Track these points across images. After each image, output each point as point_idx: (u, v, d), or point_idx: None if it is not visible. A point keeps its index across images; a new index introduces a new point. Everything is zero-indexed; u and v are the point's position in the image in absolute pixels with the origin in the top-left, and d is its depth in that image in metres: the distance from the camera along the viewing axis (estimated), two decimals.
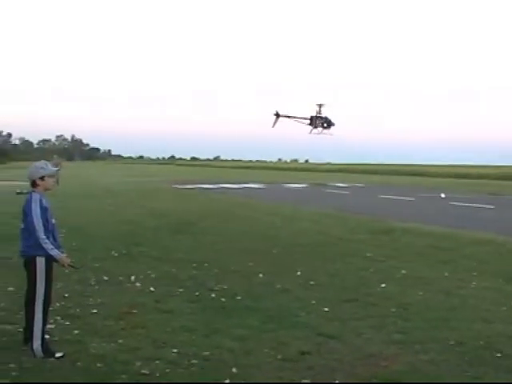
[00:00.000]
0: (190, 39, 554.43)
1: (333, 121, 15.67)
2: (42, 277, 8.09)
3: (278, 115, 16.47)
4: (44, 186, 8.32)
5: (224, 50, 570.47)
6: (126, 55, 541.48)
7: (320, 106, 15.90)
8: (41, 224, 7.94)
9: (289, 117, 16.23)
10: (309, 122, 16.15)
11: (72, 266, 8.74)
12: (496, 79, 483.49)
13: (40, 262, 8.06)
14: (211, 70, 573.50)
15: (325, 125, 16.36)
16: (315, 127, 16.04)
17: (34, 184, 8.26)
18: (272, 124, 15.67)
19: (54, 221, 8.26)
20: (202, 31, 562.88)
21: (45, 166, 8.38)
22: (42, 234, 7.92)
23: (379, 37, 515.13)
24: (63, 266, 8.40)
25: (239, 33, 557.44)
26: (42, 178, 8.27)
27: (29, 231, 8.02)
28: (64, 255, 8.27)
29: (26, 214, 8.06)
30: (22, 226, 8.19)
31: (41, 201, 8.08)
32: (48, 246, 7.96)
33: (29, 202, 8.08)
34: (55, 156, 50.58)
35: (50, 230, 8.12)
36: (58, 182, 43.11)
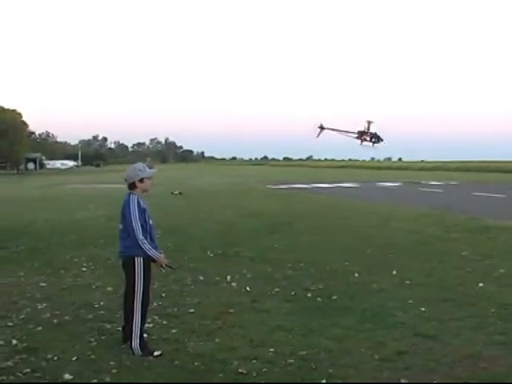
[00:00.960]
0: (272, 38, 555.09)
1: (382, 136, 15.68)
2: (141, 277, 8.23)
3: (322, 128, 16.44)
4: (142, 188, 8.47)
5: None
6: (213, 58, 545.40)
7: (369, 122, 15.92)
8: (139, 225, 8.09)
9: (334, 130, 16.25)
10: (356, 136, 16.11)
11: (169, 267, 8.88)
12: None
13: (138, 262, 8.20)
14: (302, 68, 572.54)
15: (373, 139, 16.27)
16: (363, 141, 16.01)
17: (132, 186, 8.40)
18: (316, 134, 15.73)
19: (151, 222, 8.40)
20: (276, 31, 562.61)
21: (143, 169, 8.52)
22: (140, 235, 8.07)
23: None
24: (161, 266, 8.54)
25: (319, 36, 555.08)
26: (141, 180, 8.41)
27: (127, 232, 8.18)
28: (162, 256, 8.42)
29: (125, 215, 8.21)
30: (121, 226, 8.36)
31: (139, 202, 8.23)
32: (146, 246, 8.10)
33: (127, 204, 8.23)
34: (148, 158, 51.55)
35: (147, 231, 8.24)
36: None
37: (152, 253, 8.19)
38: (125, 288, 8.58)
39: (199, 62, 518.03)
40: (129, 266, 8.31)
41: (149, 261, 8.32)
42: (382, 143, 15.61)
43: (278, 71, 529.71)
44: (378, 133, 15.32)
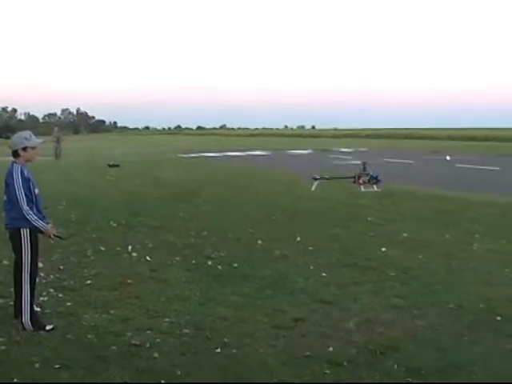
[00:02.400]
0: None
1: (379, 177, 15.68)
2: (28, 248, 7.91)
3: (315, 179, 16.36)
4: (25, 158, 8.07)
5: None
6: (127, 25, 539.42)
7: (364, 163, 15.84)
8: (23, 195, 7.74)
9: (328, 178, 16.10)
10: (353, 180, 16.02)
11: (58, 237, 8.58)
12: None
13: (25, 233, 7.87)
14: (217, 40, 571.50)
15: (372, 181, 16.24)
16: (362, 184, 15.91)
17: (15, 154, 8.04)
18: (311, 187, 15.62)
19: (37, 191, 8.03)
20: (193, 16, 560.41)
21: (29, 137, 8.11)
22: (25, 206, 7.73)
23: None
24: (49, 236, 8.22)
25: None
26: (24, 149, 8.03)
27: (12, 203, 7.83)
28: (49, 226, 8.09)
29: (8, 185, 7.86)
30: (5, 198, 8.00)
31: (22, 171, 7.86)
32: (31, 217, 7.77)
33: (10, 174, 7.86)
34: (55, 128, 50.10)
35: (33, 201, 7.91)
36: (60, 154, 42.98)
37: (38, 223, 7.86)
38: (14, 261, 8.27)
39: (109, 30, 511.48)
40: (15, 238, 7.96)
41: (36, 232, 8.00)
42: (380, 183, 15.75)
43: (191, 40, 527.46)
44: (374, 174, 15.31)
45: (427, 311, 8.60)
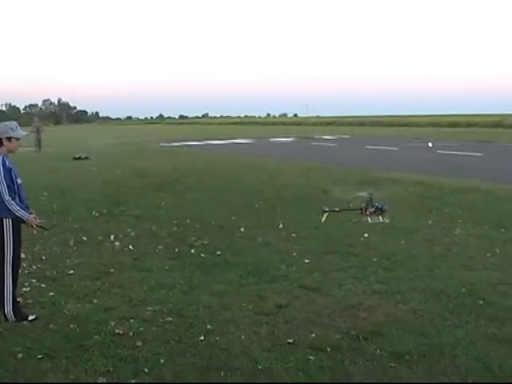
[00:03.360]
0: None
1: (385, 207, 15.86)
2: (10, 239, 7.85)
3: (324, 211, 16.58)
4: (8, 148, 8.01)
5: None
6: (109, 16, 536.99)
7: (370, 194, 16.00)
8: (5, 185, 7.68)
9: (336, 211, 16.31)
10: (360, 211, 16.21)
11: (41, 227, 8.53)
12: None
13: (7, 224, 7.81)
14: (199, 30, 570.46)
15: (377, 211, 16.39)
16: (369, 215, 16.04)
17: None
18: (321, 219, 15.80)
19: (19, 181, 7.98)
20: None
21: (14, 128, 8.07)
22: (6, 196, 7.67)
23: None
24: (32, 227, 8.16)
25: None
26: (9, 139, 7.98)
27: None
28: (32, 216, 8.03)
29: None
30: None
31: (4, 162, 7.80)
32: (14, 207, 7.72)
33: None
34: (35, 118, 49.67)
35: (15, 192, 7.85)
36: (40, 144, 42.59)
37: (20, 213, 7.80)
38: None
39: (92, 20, 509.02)
40: None
41: (18, 222, 7.95)
42: (385, 213, 16.00)
43: (174, 30, 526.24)
44: (380, 204, 15.49)
45: (410, 296, 8.62)
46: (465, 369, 6.25)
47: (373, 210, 15.05)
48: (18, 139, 8.08)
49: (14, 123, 8.23)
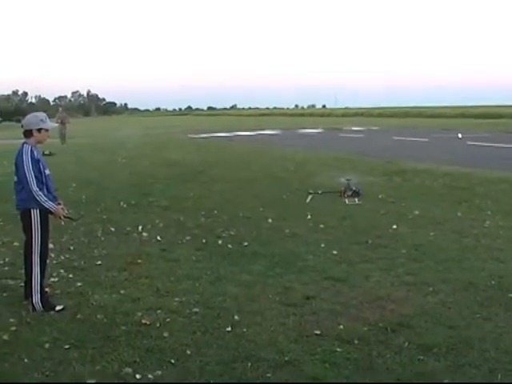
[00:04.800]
0: None
1: (360, 191, 16.52)
2: (38, 229, 7.89)
3: (309, 193, 17.01)
4: (37, 139, 8.06)
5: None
6: (138, 8, 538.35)
7: (348, 180, 16.53)
8: (33, 176, 7.71)
9: (319, 193, 16.71)
10: (340, 194, 16.76)
11: (69, 218, 8.55)
12: None
13: (34, 214, 7.85)
14: (227, 23, 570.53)
15: (354, 194, 17.00)
16: (347, 197, 16.67)
17: (28, 134, 8.01)
18: (307, 200, 16.27)
19: (47, 172, 8.01)
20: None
21: (44, 119, 8.13)
22: (34, 186, 7.70)
23: None
24: (59, 218, 8.18)
25: None
26: (39, 130, 8.02)
27: (22, 184, 7.81)
28: (60, 207, 8.06)
29: (18, 166, 7.84)
30: (15, 178, 7.98)
31: (32, 152, 7.84)
32: (41, 198, 7.74)
33: (20, 154, 7.85)
34: (60, 109, 49.55)
35: (43, 182, 7.88)
36: (64, 136, 42.38)
37: (48, 204, 7.82)
38: (24, 242, 8.24)
39: (120, 13, 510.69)
40: (25, 219, 7.95)
41: (46, 213, 7.98)
42: (361, 196, 16.74)
43: (204, 22, 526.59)
44: (357, 189, 16.15)
45: (439, 288, 8.53)
46: (494, 362, 6.16)
47: (350, 193, 16.17)
48: (47, 130, 8.13)
49: (43, 114, 8.28)
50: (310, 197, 16.21)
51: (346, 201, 15.75)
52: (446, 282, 8.84)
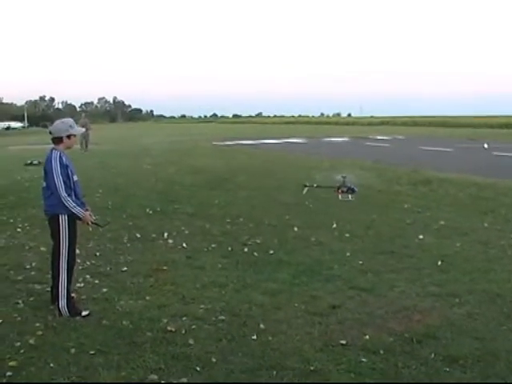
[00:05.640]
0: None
1: (355, 189, 16.83)
2: (65, 235, 7.94)
3: (305, 185, 17.15)
4: (67, 145, 8.14)
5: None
6: (165, 13, 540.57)
7: (344, 177, 16.79)
8: (61, 182, 7.76)
9: (314, 186, 16.89)
10: (334, 190, 16.97)
11: (96, 224, 8.59)
12: None
13: (63, 220, 7.90)
14: (252, 30, 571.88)
15: (349, 191, 17.19)
16: (341, 193, 16.90)
17: (57, 141, 8.07)
18: (303, 192, 16.44)
19: (76, 178, 8.06)
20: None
21: (73, 125, 8.21)
22: (63, 192, 7.75)
23: None
24: (87, 223, 8.23)
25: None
26: (68, 136, 8.09)
27: (50, 189, 7.86)
28: (88, 213, 8.11)
29: (47, 172, 7.89)
30: (44, 184, 8.04)
31: (61, 158, 7.89)
32: (70, 203, 7.79)
33: (49, 160, 7.90)
34: (83, 114, 49.62)
35: (71, 188, 7.93)
36: (87, 143, 42.24)
37: (76, 210, 7.87)
38: (52, 247, 8.29)
39: (146, 19, 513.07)
40: (54, 225, 8.00)
41: (74, 219, 8.02)
42: (355, 193, 16.85)
43: (230, 28, 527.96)
44: (351, 186, 16.40)
45: (465, 299, 8.50)
46: None
47: (345, 189, 16.40)
48: (75, 136, 8.22)
49: (71, 120, 8.36)
50: (305, 189, 16.54)
51: (340, 196, 16.01)
52: (472, 293, 8.79)
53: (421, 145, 46.32)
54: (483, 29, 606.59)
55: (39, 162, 29.65)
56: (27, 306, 8.37)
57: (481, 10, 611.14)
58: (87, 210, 8.17)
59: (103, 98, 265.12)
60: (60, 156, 7.91)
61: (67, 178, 7.87)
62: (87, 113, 73.34)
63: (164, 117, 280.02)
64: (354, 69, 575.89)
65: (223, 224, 14.02)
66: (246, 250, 11.50)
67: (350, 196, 16.04)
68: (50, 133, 8.15)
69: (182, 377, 6.09)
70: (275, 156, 35.87)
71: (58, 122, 8.29)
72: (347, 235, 12.71)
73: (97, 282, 9.52)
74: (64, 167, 7.86)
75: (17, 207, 16.73)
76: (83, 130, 8.51)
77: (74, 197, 7.93)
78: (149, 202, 17.35)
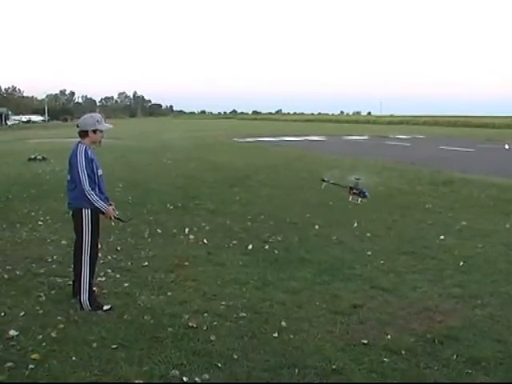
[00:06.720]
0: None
1: (366, 193, 16.66)
2: (88, 229, 7.96)
3: (323, 180, 17.12)
4: (92, 139, 8.13)
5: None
6: (180, 11, 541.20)
7: (358, 179, 16.63)
8: (86, 175, 7.77)
9: (333, 183, 16.83)
10: (347, 190, 16.91)
11: (119, 219, 8.59)
12: None
13: (86, 213, 7.92)
14: (279, 29, 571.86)
15: (360, 194, 17.09)
16: (352, 195, 16.79)
17: (83, 134, 8.08)
18: (321, 186, 16.38)
19: (100, 172, 8.07)
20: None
21: (100, 120, 8.21)
22: (87, 186, 7.76)
23: None
24: (110, 218, 8.24)
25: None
26: (94, 131, 8.10)
27: (75, 183, 7.87)
28: (111, 208, 8.12)
29: (72, 165, 7.90)
30: (69, 177, 8.05)
31: (86, 152, 7.90)
32: (93, 197, 7.81)
33: (74, 154, 7.91)
34: (97, 110, 49.74)
35: (95, 182, 7.94)
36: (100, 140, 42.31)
37: (99, 204, 7.88)
38: (75, 241, 8.31)
39: (170, 16, 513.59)
40: (76, 218, 8.02)
41: (97, 213, 8.04)
42: (366, 198, 16.71)
43: (251, 26, 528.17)
44: (363, 189, 16.28)
45: (487, 301, 8.45)
46: None
47: (357, 192, 16.26)
48: (101, 131, 8.20)
49: (99, 115, 8.37)
50: (324, 184, 16.71)
51: (350, 198, 15.96)
52: (494, 295, 8.75)
53: (441, 144, 46.03)
54: (505, 29, 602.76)
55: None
56: (49, 300, 8.41)
57: (504, 11, 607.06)
58: (110, 204, 8.18)
59: (123, 92, 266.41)
60: (85, 150, 7.92)
61: (92, 172, 7.88)
62: (107, 107, 73.66)
63: (184, 112, 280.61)
64: (374, 67, 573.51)
65: (244, 221, 14.02)
66: (266, 247, 11.50)
67: (359, 199, 15.99)
68: (77, 126, 8.18)
69: (203, 373, 6.09)
70: (295, 153, 35.74)
71: (86, 116, 8.31)
72: (368, 235, 12.67)
73: (118, 276, 9.55)
74: (89, 161, 7.87)
75: (38, 200, 16.85)
76: (111, 126, 8.48)
77: (97, 191, 7.94)
78: (169, 197, 17.40)
